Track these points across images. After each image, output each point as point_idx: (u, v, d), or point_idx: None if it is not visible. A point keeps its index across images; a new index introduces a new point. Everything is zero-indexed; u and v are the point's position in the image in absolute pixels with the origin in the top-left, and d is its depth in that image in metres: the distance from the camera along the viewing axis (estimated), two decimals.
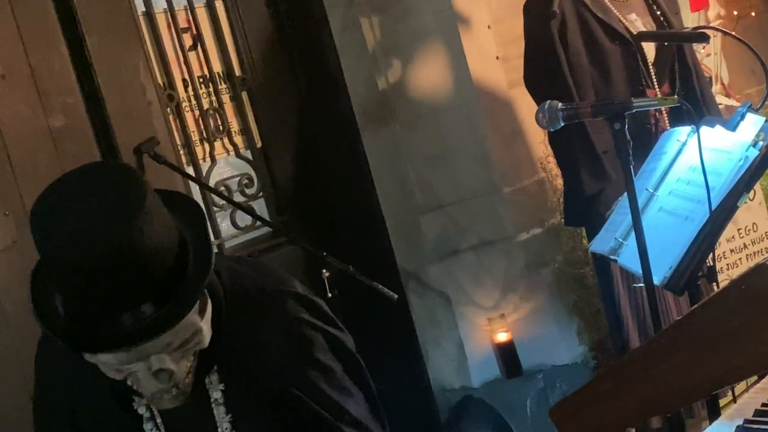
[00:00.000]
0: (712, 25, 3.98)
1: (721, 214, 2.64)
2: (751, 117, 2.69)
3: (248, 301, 2.04)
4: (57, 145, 3.77)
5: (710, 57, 5.93)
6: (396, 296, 3.77)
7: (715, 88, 5.99)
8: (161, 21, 4.22)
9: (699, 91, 3.97)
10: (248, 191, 4.41)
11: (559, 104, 2.73)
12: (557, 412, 1.61)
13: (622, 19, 3.84)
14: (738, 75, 5.98)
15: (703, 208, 2.64)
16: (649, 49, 3.88)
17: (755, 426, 2.08)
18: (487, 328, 4.41)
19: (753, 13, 5.93)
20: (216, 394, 2.03)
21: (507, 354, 4.37)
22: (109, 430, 2.07)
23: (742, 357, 1.51)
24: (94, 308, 1.77)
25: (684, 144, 2.87)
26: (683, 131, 2.95)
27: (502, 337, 4.36)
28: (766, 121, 2.65)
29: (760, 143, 2.63)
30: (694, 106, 3.83)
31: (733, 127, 2.67)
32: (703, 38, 3.61)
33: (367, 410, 2.17)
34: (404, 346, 4.66)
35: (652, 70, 3.84)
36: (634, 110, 2.59)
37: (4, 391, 3.51)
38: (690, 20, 6.00)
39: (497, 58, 4.51)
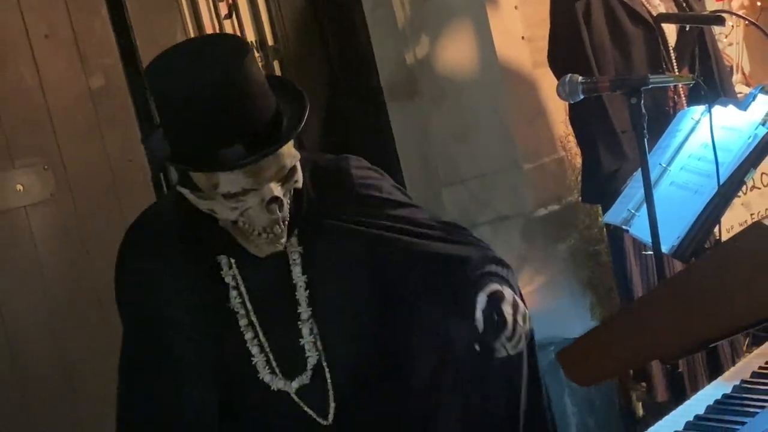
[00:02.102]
0: (732, 10, 4.03)
1: (729, 188, 2.72)
2: (762, 98, 2.78)
3: (317, 173, 2.19)
4: (95, 105, 3.85)
5: (732, 46, 5.98)
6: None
7: (736, 77, 6.04)
8: None
9: (718, 77, 4.02)
10: None
11: (580, 78, 2.80)
12: (564, 355, 1.70)
13: (645, 3, 3.89)
14: (759, 65, 6.04)
15: (711, 182, 2.72)
16: (671, 34, 3.93)
17: (751, 386, 2.18)
18: None
19: None
20: (294, 256, 2.15)
21: None
22: (195, 306, 2.15)
23: (734, 309, 1.59)
24: (214, 134, 1.93)
25: (697, 122, 2.94)
26: (698, 110, 3.03)
27: None
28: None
29: None
30: (713, 90, 3.93)
31: (745, 107, 2.76)
32: (720, 21, 3.68)
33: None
34: None
35: (672, 54, 3.89)
36: (650, 86, 2.65)
37: (35, 339, 3.60)
38: (713, 9, 6.08)
39: (522, 38, 4.55)
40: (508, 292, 2.04)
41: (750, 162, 2.70)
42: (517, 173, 4.52)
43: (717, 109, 2.78)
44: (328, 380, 2.19)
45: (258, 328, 2.17)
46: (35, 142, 3.71)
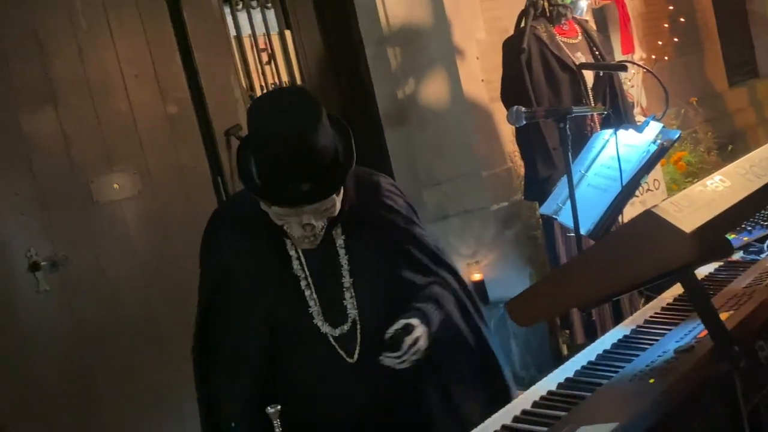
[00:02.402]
0: (632, 61, 4.07)
1: (629, 188, 2.76)
2: (653, 124, 2.82)
3: (360, 183, 2.17)
4: (171, 127, 3.82)
5: (634, 88, 6.02)
6: None
7: (636, 110, 6.08)
8: (247, 43, 4.25)
9: (623, 109, 4.07)
10: None
11: (523, 108, 2.82)
12: (510, 305, 1.71)
13: (571, 55, 3.94)
14: (653, 101, 6.08)
15: (617, 184, 2.76)
16: (589, 77, 3.99)
17: (644, 329, 2.20)
18: (466, 270, 4.42)
19: (666, 58, 6.03)
20: (339, 242, 2.15)
21: (479, 289, 4.39)
22: (266, 271, 2.14)
23: (627, 273, 1.59)
24: (285, 176, 1.94)
25: (607, 141, 2.97)
26: (607, 132, 3.05)
27: (477, 276, 4.39)
28: (663, 127, 2.78)
29: (658, 141, 2.76)
30: (618, 118, 3.97)
31: (641, 130, 2.80)
32: (623, 68, 3.71)
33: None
34: None
35: (590, 93, 3.95)
36: (573, 114, 2.68)
37: (129, 294, 3.57)
38: (620, 59, 6.11)
39: (482, 80, 4.57)
40: (418, 330, 2.09)
41: (644, 170, 2.74)
42: (478, 179, 4.53)
43: (621, 132, 2.81)
44: (358, 331, 2.19)
45: (313, 288, 2.16)
46: (127, 153, 3.69)
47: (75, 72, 3.56)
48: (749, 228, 2.96)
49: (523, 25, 3.93)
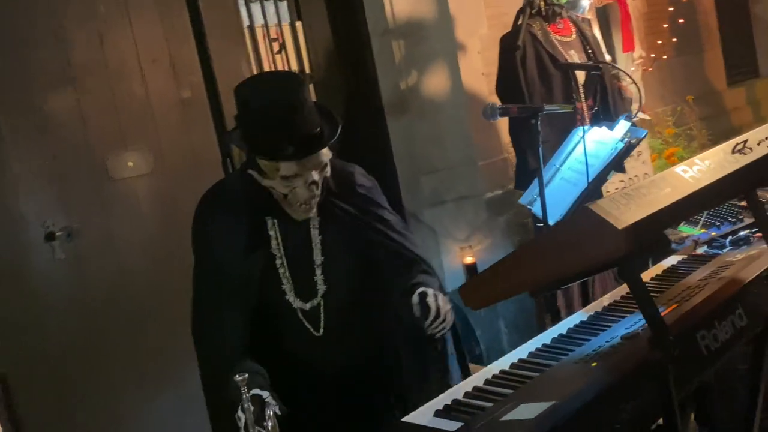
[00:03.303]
0: (606, 62, 4.03)
1: (596, 183, 2.78)
2: (624, 122, 2.83)
3: (335, 172, 2.25)
4: (184, 110, 3.85)
5: (633, 85, 6.00)
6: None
7: (635, 107, 6.06)
8: (259, 32, 4.28)
9: (612, 104, 4.06)
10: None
11: (498, 104, 2.84)
12: (463, 290, 1.76)
13: (564, 53, 3.92)
14: (651, 99, 6.05)
15: (585, 179, 2.79)
16: (581, 75, 3.98)
17: (601, 316, 2.23)
18: (460, 254, 4.42)
19: (664, 57, 6.00)
20: (314, 223, 2.25)
21: (471, 271, 4.37)
22: (247, 248, 2.21)
23: (568, 265, 1.64)
24: (286, 135, 2.04)
25: (582, 137, 3.01)
26: (582, 130, 3.08)
27: (469, 260, 4.38)
28: (632, 125, 2.79)
29: (626, 139, 2.78)
30: (607, 113, 3.98)
31: (612, 128, 2.81)
32: (597, 69, 3.68)
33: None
34: None
35: (581, 89, 3.94)
36: (545, 112, 2.69)
37: (138, 261, 3.65)
38: (621, 59, 6.07)
39: (483, 74, 4.55)
40: (430, 291, 2.13)
41: (611, 166, 2.76)
42: (473, 167, 4.54)
43: (595, 129, 2.83)
44: (322, 307, 2.27)
45: (287, 266, 2.24)
46: (142, 133, 3.73)
47: (93, 56, 3.61)
48: (717, 224, 2.99)
49: (519, 22, 3.93)
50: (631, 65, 5.96)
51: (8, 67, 3.37)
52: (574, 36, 4.02)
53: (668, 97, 6.07)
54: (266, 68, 4.29)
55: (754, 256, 2.38)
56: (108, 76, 3.66)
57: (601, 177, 2.77)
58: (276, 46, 4.37)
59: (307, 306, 2.27)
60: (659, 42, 5.97)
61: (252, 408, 1.87)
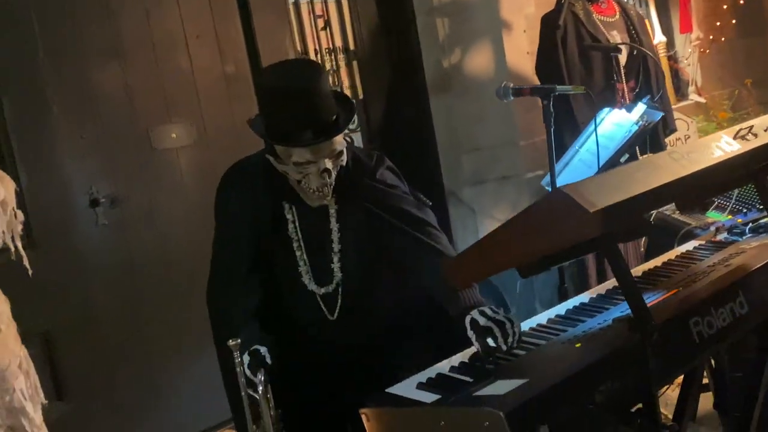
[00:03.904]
0: (627, 42, 3.85)
1: (609, 165, 2.73)
2: (641, 105, 2.77)
3: (356, 161, 2.29)
4: (228, 84, 3.91)
5: (690, 66, 5.86)
6: (430, 203, 3.66)
7: (691, 89, 5.91)
8: (304, 9, 4.32)
9: (656, 87, 3.95)
10: (350, 127, 4.41)
11: (511, 84, 2.80)
12: (446, 266, 1.77)
13: (606, 33, 3.85)
14: (709, 81, 5.89)
15: (601, 160, 2.75)
16: (623, 55, 3.87)
17: (603, 297, 2.22)
18: None
19: (723, 38, 5.81)
20: (332, 210, 2.27)
21: None
22: (264, 229, 2.25)
23: (546, 245, 1.64)
24: (300, 121, 2.07)
25: (602, 119, 2.96)
26: (605, 111, 3.03)
27: None
28: (647, 107, 2.73)
29: (641, 122, 2.72)
30: (649, 94, 3.88)
31: (629, 110, 2.76)
32: (617, 50, 3.59)
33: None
34: None
35: (623, 70, 3.86)
36: (557, 92, 2.65)
37: (178, 231, 3.71)
38: (679, 40, 5.92)
39: (528, 53, 4.47)
40: (482, 319, 1.93)
41: (625, 149, 2.71)
42: (515, 147, 4.50)
43: (616, 112, 2.78)
44: (339, 293, 2.30)
45: (304, 251, 2.27)
46: (186, 106, 3.80)
47: (141, 30, 3.71)
48: (744, 210, 2.92)
49: (562, 1, 3.87)
50: (688, 47, 5.82)
51: (59, 41, 3.49)
52: (617, 16, 3.94)
53: (727, 80, 5.89)
54: (310, 44, 4.35)
55: None
56: (154, 50, 3.75)
57: (615, 159, 2.73)
58: (321, 23, 4.40)
59: (323, 291, 2.30)
60: (718, 23, 5.78)
61: (247, 372, 1.94)
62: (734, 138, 1.84)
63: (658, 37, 5.58)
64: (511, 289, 4.38)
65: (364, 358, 2.32)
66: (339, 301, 2.31)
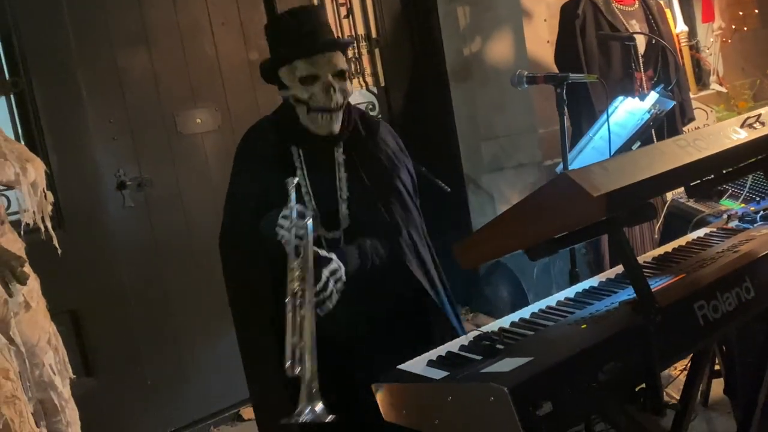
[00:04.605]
0: (641, 32, 3.83)
1: (620, 152, 2.74)
2: (653, 94, 2.79)
3: (363, 118, 2.38)
4: (251, 70, 3.96)
5: (712, 56, 5.81)
6: (449, 189, 3.41)
7: (712, 78, 5.86)
8: None
9: (674, 76, 3.96)
10: (372, 113, 4.46)
11: (525, 72, 2.82)
12: (457, 248, 1.81)
13: (625, 22, 3.83)
14: (730, 71, 5.84)
15: (614, 147, 2.77)
16: (642, 44, 3.87)
17: (613, 281, 2.21)
18: None
19: (745, 28, 5.76)
20: (339, 159, 2.33)
21: None
22: (279, 176, 2.26)
23: (551, 227, 1.67)
24: (303, 35, 2.23)
25: (616, 108, 2.98)
26: (619, 100, 3.04)
27: None
28: (659, 96, 2.75)
29: (653, 111, 2.74)
30: (667, 83, 3.88)
31: (642, 99, 2.78)
32: (631, 39, 3.59)
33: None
34: (461, 226, 4.74)
35: (641, 59, 3.87)
36: (570, 80, 2.67)
37: (202, 214, 3.76)
38: (701, 29, 5.87)
39: (548, 42, 4.46)
40: (334, 264, 2.16)
41: (637, 136, 2.73)
42: (534, 135, 4.51)
43: (629, 100, 2.80)
44: (342, 239, 2.34)
45: (311, 195, 2.32)
46: (211, 91, 3.89)
47: (167, 17, 3.79)
48: (758, 198, 2.93)
49: None
50: (710, 36, 5.77)
51: (88, 27, 3.58)
52: (636, 5, 3.93)
53: (749, 70, 5.84)
54: (333, 33, 4.37)
55: None
56: (180, 36, 3.83)
57: (627, 147, 2.75)
58: (344, 11, 4.45)
59: (329, 235, 2.35)
60: (741, 13, 5.73)
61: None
62: (741, 126, 1.86)
63: (680, 27, 5.54)
64: (528, 275, 4.45)
65: (364, 312, 2.33)
66: (342, 245, 2.35)
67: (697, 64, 5.82)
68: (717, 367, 3.22)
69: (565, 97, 2.65)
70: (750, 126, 1.86)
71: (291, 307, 2.08)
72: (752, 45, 5.85)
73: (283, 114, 2.37)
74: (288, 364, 2.00)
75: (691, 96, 5.49)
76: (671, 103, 2.80)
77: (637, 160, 1.67)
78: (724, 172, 2.01)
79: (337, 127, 2.28)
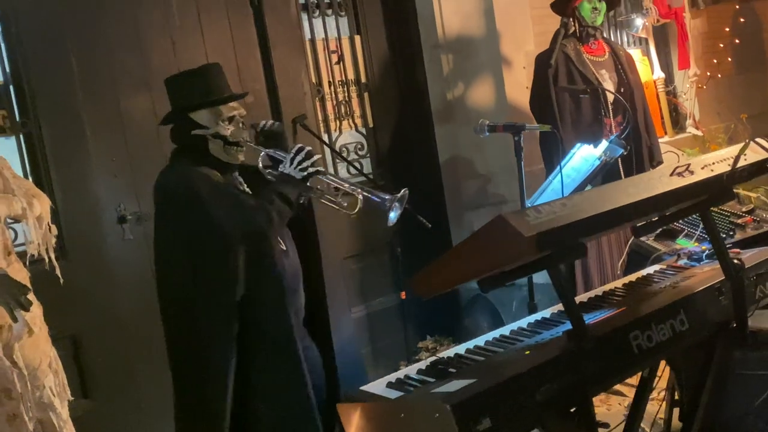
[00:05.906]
0: (607, 89, 4.04)
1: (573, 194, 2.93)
2: (604, 142, 2.99)
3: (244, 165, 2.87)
4: (247, 113, 3.81)
5: (688, 101, 6.04)
6: (430, 225, 3.67)
7: (689, 122, 6.09)
8: (319, 45, 4.53)
9: (644, 122, 4.17)
10: (360, 153, 4.69)
11: (487, 121, 3.02)
12: (414, 281, 1.99)
13: (595, 72, 4.06)
14: (706, 116, 6.06)
15: (567, 191, 2.95)
16: (611, 93, 4.11)
17: (598, 299, 2.42)
18: None
19: (719, 75, 5.99)
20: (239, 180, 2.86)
21: None
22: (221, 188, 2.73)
23: (494, 264, 1.86)
24: (221, 87, 2.77)
25: (573, 154, 3.17)
26: (576, 147, 3.23)
27: None
28: (610, 144, 2.94)
29: (603, 157, 2.93)
30: (636, 131, 4.09)
31: (595, 146, 2.98)
32: (585, 92, 3.84)
33: None
34: None
35: (610, 107, 4.08)
36: (526, 129, 2.88)
37: None
38: (678, 76, 6.11)
39: (526, 87, 4.60)
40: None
41: (587, 180, 2.92)
42: (512, 174, 4.35)
43: (585, 146, 2.99)
44: None
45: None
46: None
47: (168, 62, 3.96)
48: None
49: (555, 42, 4.09)
50: (687, 82, 6.01)
51: (93, 70, 3.78)
52: (606, 56, 4.16)
53: (724, 115, 6.06)
54: (324, 77, 4.58)
55: (719, 270, 2.52)
56: None
57: (580, 189, 2.94)
58: (335, 57, 4.63)
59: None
60: (715, 61, 5.97)
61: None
62: (671, 175, 2.05)
63: (657, 73, 5.79)
64: (507, 307, 4.59)
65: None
66: None
67: (674, 108, 6.04)
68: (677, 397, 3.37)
69: (522, 145, 2.84)
70: (679, 175, 2.05)
71: None
72: (727, 90, 6.08)
73: (190, 152, 2.79)
74: None
75: (668, 139, 5.72)
76: (620, 151, 3.00)
77: (576, 203, 1.87)
78: (667, 214, 2.20)
79: (241, 157, 2.78)
